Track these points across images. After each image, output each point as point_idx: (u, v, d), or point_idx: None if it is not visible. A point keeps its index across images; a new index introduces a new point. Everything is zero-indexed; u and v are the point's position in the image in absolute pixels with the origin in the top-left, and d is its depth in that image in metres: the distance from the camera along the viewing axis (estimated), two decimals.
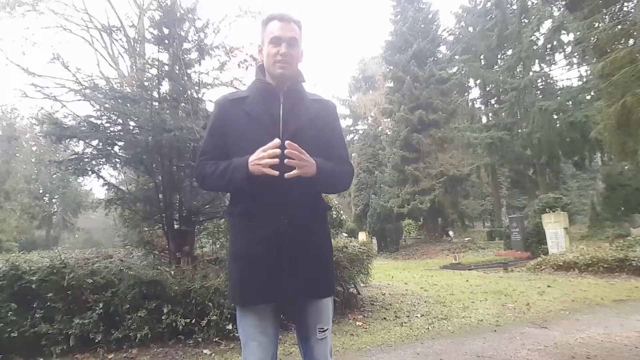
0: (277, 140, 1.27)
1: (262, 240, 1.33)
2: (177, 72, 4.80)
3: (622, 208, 14.52)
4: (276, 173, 1.25)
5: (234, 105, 1.43)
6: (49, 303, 3.30)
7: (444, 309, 4.88)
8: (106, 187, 4.83)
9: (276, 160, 1.25)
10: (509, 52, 19.82)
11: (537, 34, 17.78)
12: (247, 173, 1.28)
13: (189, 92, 4.85)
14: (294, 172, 1.27)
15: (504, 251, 12.76)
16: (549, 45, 17.74)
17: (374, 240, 17.71)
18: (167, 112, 4.44)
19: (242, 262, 1.37)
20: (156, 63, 4.82)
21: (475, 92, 23.88)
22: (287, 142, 1.25)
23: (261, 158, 1.26)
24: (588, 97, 16.43)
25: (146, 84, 4.89)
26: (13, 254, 4.42)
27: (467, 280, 7.44)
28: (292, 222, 1.33)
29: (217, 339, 3.55)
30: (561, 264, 7.88)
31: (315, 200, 1.44)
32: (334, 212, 11.74)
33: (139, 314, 3.43)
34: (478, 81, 21.47)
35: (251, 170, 1.27)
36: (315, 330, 1.38)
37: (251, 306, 1.36)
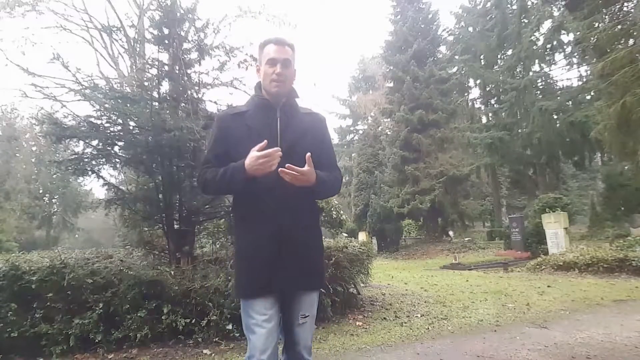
0: (277, 148, 1.44)
1: (264, 239, 1.51)
2: (177, 72, 4.79)
3: (622, 208, 14.56)
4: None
5: (235, 119, 1.62)
6: (49, 303, 3.30)
7: (444, 309, 4.88)
8: (106, 187, 4.82)
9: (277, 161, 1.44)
10: (509, 52, 19.80)
11: (537, 34, 17.79)
12: (244, 174, 1.45)
13: (189, 92, 4.84)
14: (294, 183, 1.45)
15: (504, 251, 12.75)
16: (548, 45, 17.73)
17: (374, 240, 17.68)
18: (167, 112, 4.43)
19: (246, 259, 1.55)
20: (156, 63, 4.81)
21: (475, 92, 23.85)
22: (287, 165, 1.42)
23: (265, 161, 1.42)
24: (588, 97, 16.42)
25: (146, 84, 4.88)
26: (13, 254, 4.42)
27: (467, 280, 7.44)
28: (292, 223, 1.52)
29: (217, 339, 3.53)
30: (561, 264, 7.88)
31: (311, 203, 1.63)
32: (334, 212, 11.76)
33: (139, 314, 3.43)
34: (478, 81, 21.45)
35: (249, 172, 1.44)
36: (298, 317, 1.55)
37: (256, 298, 1.51)
